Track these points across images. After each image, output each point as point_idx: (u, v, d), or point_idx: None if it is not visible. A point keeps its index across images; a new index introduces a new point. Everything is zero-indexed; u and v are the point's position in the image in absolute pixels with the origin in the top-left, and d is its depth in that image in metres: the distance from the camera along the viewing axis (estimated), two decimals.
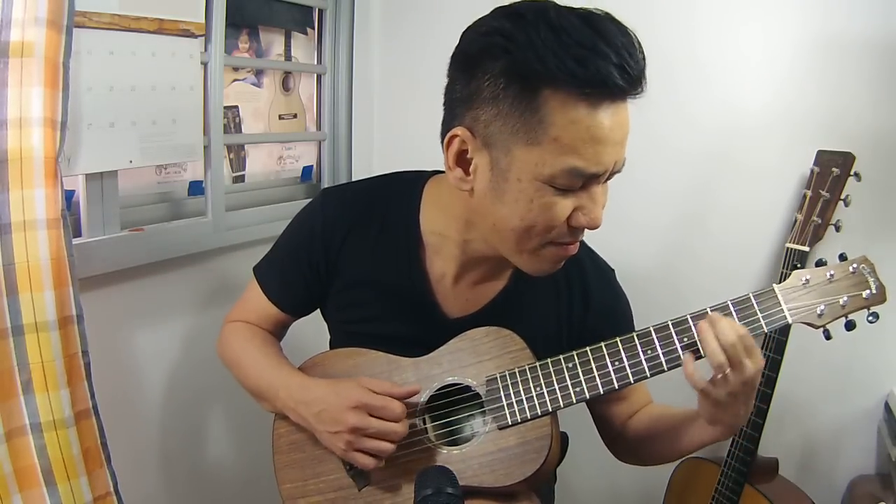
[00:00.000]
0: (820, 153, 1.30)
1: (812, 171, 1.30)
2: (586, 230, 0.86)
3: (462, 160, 0.85)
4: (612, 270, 1.06)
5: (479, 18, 0.83)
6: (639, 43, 0.78)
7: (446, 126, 0.86)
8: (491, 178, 0.83)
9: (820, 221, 1.26)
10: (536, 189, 0.80)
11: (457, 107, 0.83)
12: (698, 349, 0.84)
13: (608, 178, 0.84)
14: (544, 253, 0.87)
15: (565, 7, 0.78)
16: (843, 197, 1.25)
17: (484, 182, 0.84)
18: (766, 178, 1.41)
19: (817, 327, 0.85)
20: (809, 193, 1.29)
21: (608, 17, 0.78)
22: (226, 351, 1.10)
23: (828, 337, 0.87)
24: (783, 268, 1.29)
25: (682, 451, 0.95)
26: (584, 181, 0.80)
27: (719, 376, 0.80)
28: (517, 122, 0.78)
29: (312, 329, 1.14)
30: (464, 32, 0.84)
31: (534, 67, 0.75)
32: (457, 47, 0.84)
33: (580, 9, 0.78)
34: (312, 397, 0.95)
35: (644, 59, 0.78)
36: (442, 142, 0.86)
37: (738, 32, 1.41)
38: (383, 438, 0.90)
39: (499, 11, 0.81)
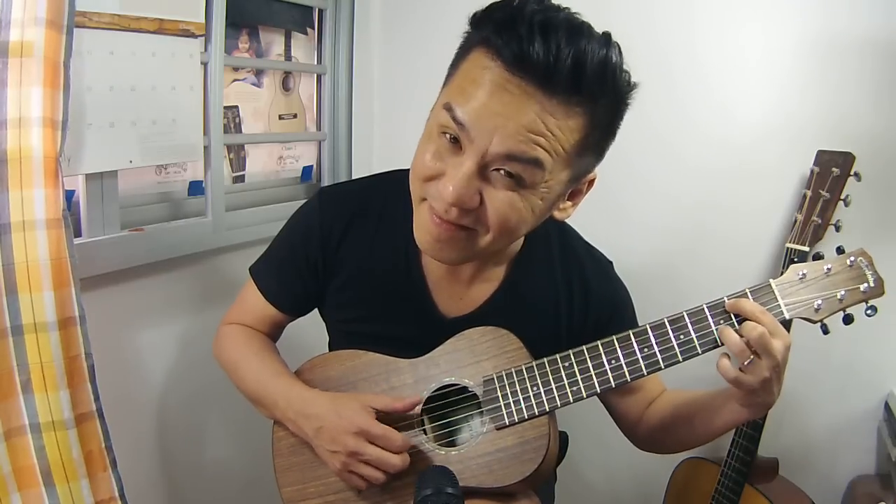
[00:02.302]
0: (820, 153, 1.30)
1: (812, 171, 1.30)
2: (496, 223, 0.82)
3: None
4: (610, 262, 1.06)
5: None
6: (594, 56, 0.74)
7: None
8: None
9: (820, 221, 1.26)
10: (429, 133, 0.83)
11: None
12: (697, 347, 0.84)
13: (485, 167, 0.78)
14: (422, 210, 0.85)
15: (568, 13, 0.77)
16: (843, 197, 1.25)
17: None
18: (766, 177, 1.41)
19: (815, 322, 0.85)
20: (809, 193, 1.29)
21: (568, 18, 0.76)
22: (222, 355, 1.09)
23: (825, 332, 0.86)
24: (783, 268, 1.28)
25: (714, 433, 0.94)
26: (454, 136, 0.78)
27: (747, 363, 0.80)
28: (450, 71, 0.84)
29: (312, 329, 1.14)
30: None
31: (474, 33, 0.80)
32: None
33: (566, 10, 0.77)
34: (313, 412, 0.94)
35: (584, 68, 0.73)
36: None
37: (739, 32, 1.41)
38: (378, 467, 0.89)
39: None
